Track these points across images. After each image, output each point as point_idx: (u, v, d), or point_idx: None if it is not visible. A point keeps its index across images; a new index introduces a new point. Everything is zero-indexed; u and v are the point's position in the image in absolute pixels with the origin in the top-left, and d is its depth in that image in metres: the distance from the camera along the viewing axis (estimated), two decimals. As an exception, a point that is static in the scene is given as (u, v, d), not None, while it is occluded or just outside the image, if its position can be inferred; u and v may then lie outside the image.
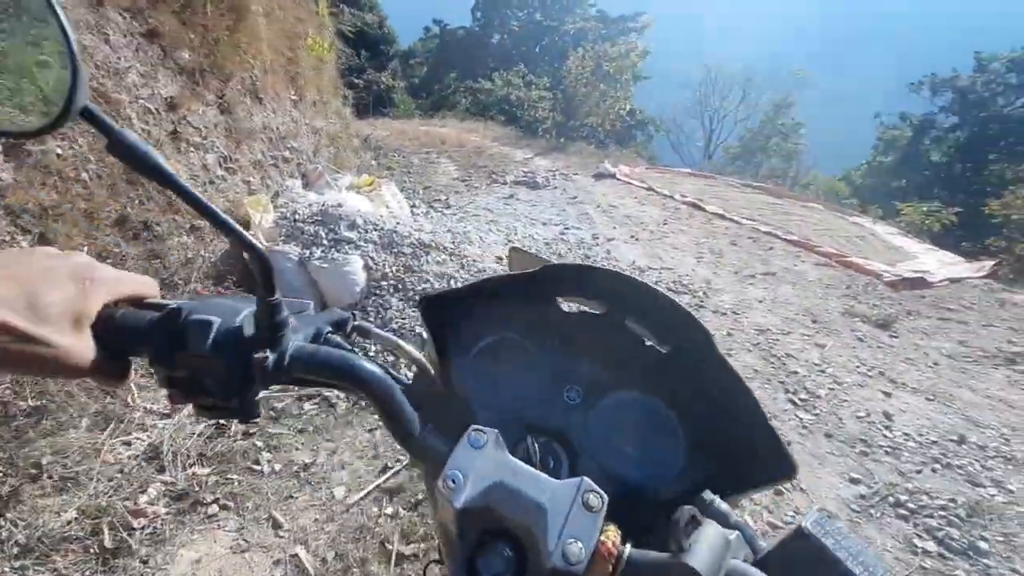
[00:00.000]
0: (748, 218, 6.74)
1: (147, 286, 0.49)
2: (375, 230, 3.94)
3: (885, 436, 2.82)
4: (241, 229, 0.43)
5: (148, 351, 0.45)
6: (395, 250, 3.85)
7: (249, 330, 0.46)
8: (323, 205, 4.01)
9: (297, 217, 3.89)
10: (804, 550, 0.42)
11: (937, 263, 5.80)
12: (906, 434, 2.85)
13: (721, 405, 0.56)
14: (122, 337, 0.45)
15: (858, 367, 3.58)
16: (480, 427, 0.44)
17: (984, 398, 3.33)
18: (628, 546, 0.41)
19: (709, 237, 6.28)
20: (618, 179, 8.46)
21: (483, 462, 0.42)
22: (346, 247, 3.68)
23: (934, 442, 2.80)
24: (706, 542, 0.39)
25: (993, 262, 5.98)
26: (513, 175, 8.62)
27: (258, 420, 0.55)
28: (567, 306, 0.65)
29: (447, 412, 0.49)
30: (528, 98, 24.10)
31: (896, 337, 4.14)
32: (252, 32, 4.60)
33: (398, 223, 4.22)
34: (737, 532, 0.43)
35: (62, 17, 0.40)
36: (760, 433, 0.53)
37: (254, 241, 0.43)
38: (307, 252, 3.59)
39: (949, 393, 3.32)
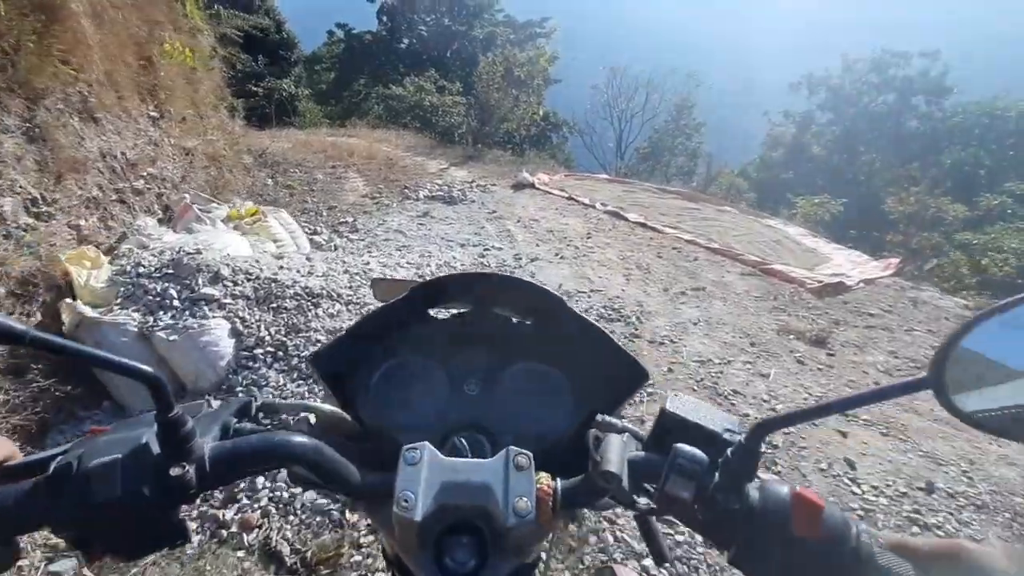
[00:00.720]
0: (669, 226, 6.47)
1: (3, 448, 0.43)
2: (248, 280, 3.10)
3: (854, 493, 2.45)
4: (130, 364, 0.41)
5: (46, 522, 0.41)
6: (275, 305, 3.04)
7: (157, 451, 0.43)
8: (177, 252, 3.10)
9: (141, 271, 2.97)
10: (671, 425, 0.51)
11: (849, 263, 5.81)
12: (874, 486, 2.50)
13: (584, 348, 0.65)
14: (5, 518, 0.41)
15: (806, 398, 3.25)
16: (412, 445, 0.47)
17: (931, 422, 3.10)
18: (558, 481, 0.48)
19: (634, 250, 5.90)
20: (537, 188, 7.97)
21: (424, 473, 0.46)
22: (206, 308, 2.82)
23: (904, 494, 2.47)
24: (610, 449, 0.48)
25: (897, 259, 6.10)
26: (427, 189, 7.87)
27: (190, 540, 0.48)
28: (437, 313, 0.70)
29: (371, 450, 0.53)
30: (442, 104, 23.28)
31: (833, 355, 3.90)
32: (73, 37, 3.55)
33: (281, 267, 3.39)
34: (626, 433, 0.53)
35: None
36: (616, 357, 0.64)
37: (144, 369, 0.41)
38: (151, 320, 2.70)
39: (900, 423, 3.05)
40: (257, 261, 3.35)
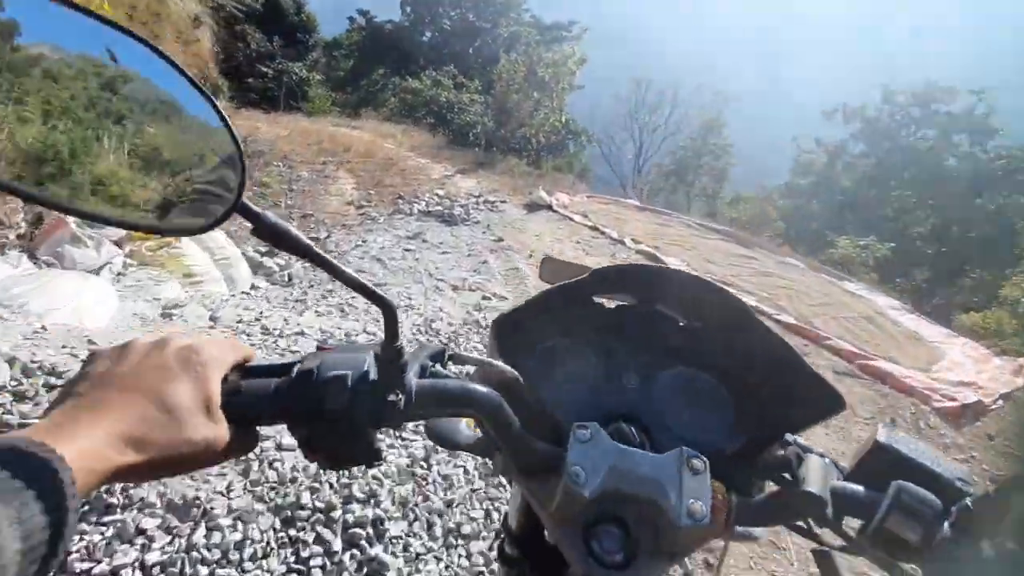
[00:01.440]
0: (721, 280, 5.06)
1: (245, 350, 0.48)
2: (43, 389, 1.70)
3: None
4: (370, 285, 0.44)
5: (285, 418, 0.45)
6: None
7: (375, 376, 0.46)
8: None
9: None
10: (885, 461, 0.48)
11: (968, 360, 4.32)
12: None
13: (760, 362, 0.58)
14: (255, 409, 0.45)
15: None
16: (583, 423, 0.46)
17: None
18: (733, 495, 0.47)
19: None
20: (555, 211, 6.57)
21: (594, 453, 0.45)
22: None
23: None
24: (812, 470, 0.46)
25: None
26: (425, 202, 6.49)
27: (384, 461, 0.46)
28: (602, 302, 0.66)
29: (533, 419, 0.51)
30: (458, 101, 21.92)
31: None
32: None
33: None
34: (828, 458, 0.50)
35: (224, 112, 0.42)
36: (803, 378, 0.56)
37: (382, 294, 0.45)
38: None
39: None
40: (90, 342, 1.95)
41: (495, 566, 0.67)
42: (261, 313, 3.16)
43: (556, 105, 12.14)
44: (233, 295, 3.66)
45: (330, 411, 0.43)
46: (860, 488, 0.47)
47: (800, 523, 0.49)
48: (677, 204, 16.02)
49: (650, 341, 0.64)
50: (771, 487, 0.53)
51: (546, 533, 0.55)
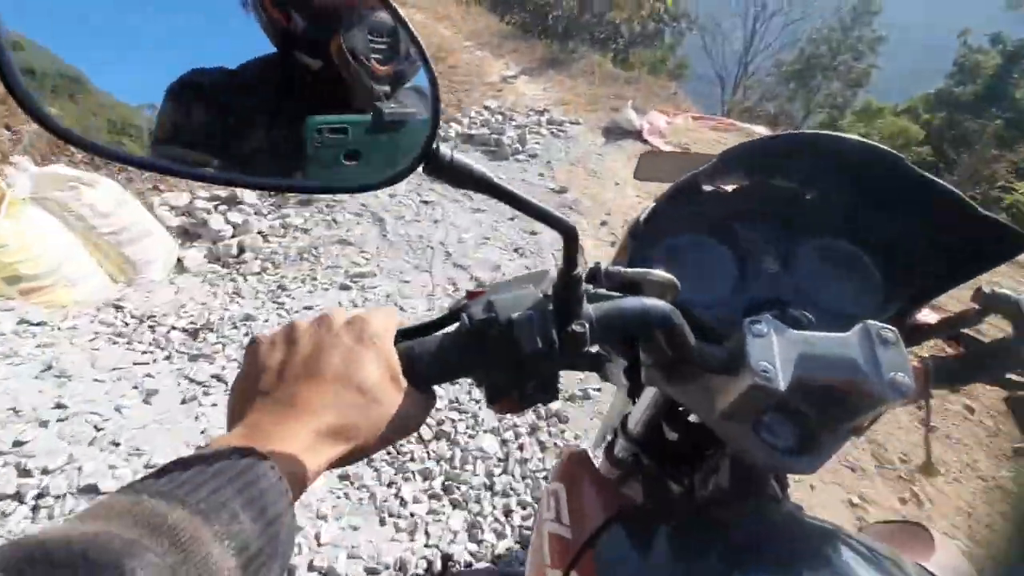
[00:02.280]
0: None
1: (396, 312, 0.47)
2: None
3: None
4: (554, 213, 0.41)
5: (472, 370, 0.43)
6: None
7: (550, 308, 0.42)
8: None
9: None
10: None
11: None
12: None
13: (914, 215, 0.53)
14: (436, 369, 0.42)
15: None
16: (755, 318, 0.44)
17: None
18: (929, 359, 0.47)
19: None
20: (647, 141, 4.58)
21: (777, 345, 0.42)
22: None
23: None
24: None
25: None
26: (470, 117, 4.71)
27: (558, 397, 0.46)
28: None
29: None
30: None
31: None
32: None
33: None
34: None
35: (427, 56, 0.39)
36: (967, 220, 0.51)
37: (562, 218, 0.41)
38: None
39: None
40: None
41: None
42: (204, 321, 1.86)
43: (659, -20, 9.12)
44: (132, 288, 2.34)
45: (529, 355, 0.40)
46: None
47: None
48: (793, 115, 12.71)
49: (780, 218, 0.59)
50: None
51: (667, 434, 0.58)
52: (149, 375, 2.00)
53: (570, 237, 0.40)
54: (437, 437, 1.89)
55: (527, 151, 4.20)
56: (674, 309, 0.44)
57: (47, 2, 0.34)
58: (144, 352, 2.11)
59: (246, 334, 2.24)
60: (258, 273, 2.66)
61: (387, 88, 0.41)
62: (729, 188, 0.60)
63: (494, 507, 1.68)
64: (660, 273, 0.47)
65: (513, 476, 1.78)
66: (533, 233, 3.13)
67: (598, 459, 0.67)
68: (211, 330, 2.25)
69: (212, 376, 2.03)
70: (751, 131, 5.32)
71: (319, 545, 1.53)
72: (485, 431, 1.93)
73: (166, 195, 2.95)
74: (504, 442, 1.90)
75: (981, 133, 15.16)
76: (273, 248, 2.81)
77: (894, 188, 0.53)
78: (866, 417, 0.43)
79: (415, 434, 1.82)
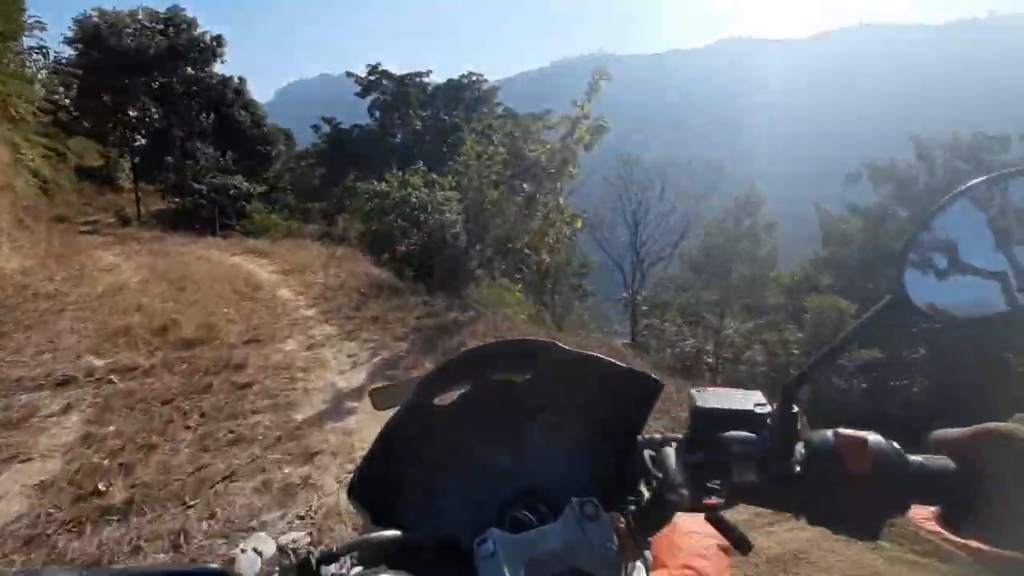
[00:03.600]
0: None
1: None
2: None
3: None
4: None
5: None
6: None
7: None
8: None
9: None
10: (706, 419, 0.50)
11: None
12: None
13: (592, 381, 0.61)
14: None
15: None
16: (481, 537, 0.45)
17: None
18: (628, 514, 0.48)
19: None
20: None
21: (503, 559, 0.44)
22: None
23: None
24: (668, 462, 0.50)
25: None
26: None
27: None
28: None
29: (435, 560, 0.49)
30: (431, 200, 18.30)
31: None
32: None
33: None
34: (672, 442, 0.54)
35: None
36: (624, 377, 0.60)
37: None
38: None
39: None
40: None
41: None
42: None
43: (557, 199, 8.16)
44: None
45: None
46: (703, 455, 0.48)
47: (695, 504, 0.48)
48: (723, 301, 11.90)
49: (503, 409, 0.62)
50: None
51: None
52: None
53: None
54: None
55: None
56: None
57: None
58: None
59: None
60: None
61: None
62: (456, 394, 0.62)
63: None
64: (384, 534, 0.47)
65: None
66: None
67: None
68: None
69: None
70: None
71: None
72: None
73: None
74: None
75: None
76: None
77: (565, 364, 0.60)
78: None
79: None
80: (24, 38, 21.01)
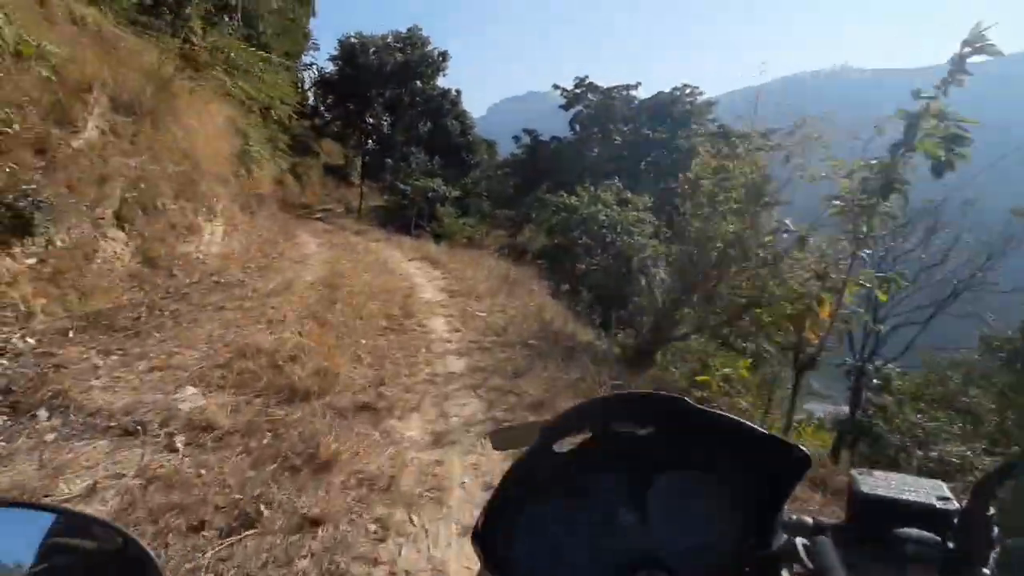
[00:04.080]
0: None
1: None
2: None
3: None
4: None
5: None
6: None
7: None
8: None
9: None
10: (871, 507, 0.46)
11: None
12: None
13: (725, 445, 0.55)
14: None
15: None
16: None
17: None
18: None
19: None
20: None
21: None
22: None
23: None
24: (826, 556, 0.43)
25: None
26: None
27: None
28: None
29: None
30: (622, 219, 16.53)
31: None
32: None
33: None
34: (828, 530, 0.49)
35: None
36: (765, 446, 0.52)
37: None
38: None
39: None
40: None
41: None
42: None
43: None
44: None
45: None
46: (868, 551, 0.44)
47: None
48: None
49: (625, 464, 0.58)
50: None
51: None
52: None
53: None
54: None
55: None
56: None
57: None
58: None
59: None
60: None
61: None
62: (577, 442, 0.59)
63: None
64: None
65: None
66: None
67: None
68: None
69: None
70: None
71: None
72: None
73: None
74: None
75: None
76: None
77: (691, 422, 0.55)
78: None
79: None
80: (305, 56, 25.78)
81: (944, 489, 0.45)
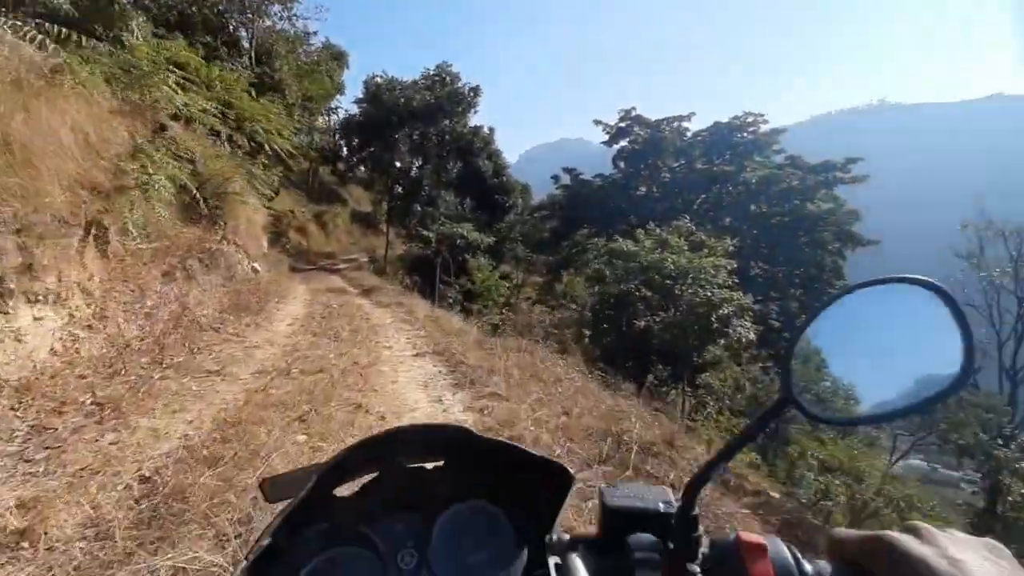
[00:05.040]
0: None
1: None
2: None
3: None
4: None
5: None
6: None
7: None
8: None
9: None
10: (614, 518, 0.51)
11: None
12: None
13: (505, 471, 0.56)
14: None
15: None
16: None
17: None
18: None
19: None
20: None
21: None
22: None
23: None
24: (573, 569, 0.49)
25: None
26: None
27: None
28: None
29: None
30: (697, 268, 13.27)
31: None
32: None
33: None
34: (580, 545, 0.52)
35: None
36: (537, 467, 0.53)
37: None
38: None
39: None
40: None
41: None
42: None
43: None
44: None
45: None
46: (610, 561, 0.48)
47: None
48: None
49: (412, 501, 0.56)
50: None
51: None
52: None
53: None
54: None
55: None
56: None
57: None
58: None
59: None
60: None
61: None
62: (360, 483, 0.57)
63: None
64: None
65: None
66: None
67: None
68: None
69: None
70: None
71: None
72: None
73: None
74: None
75: None
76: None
77: (476, 452, 0.55)
78: None
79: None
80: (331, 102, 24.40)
81: (669, 494, 0.49)
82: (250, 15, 15.22)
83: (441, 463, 0.58)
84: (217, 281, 6.12)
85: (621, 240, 14.77)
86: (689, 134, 23.55)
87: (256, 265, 9.02)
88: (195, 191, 5.86)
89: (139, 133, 4.68)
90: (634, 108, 22.85)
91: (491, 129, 22.72)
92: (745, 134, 23.12)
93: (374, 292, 10.62)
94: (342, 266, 20.48)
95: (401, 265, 19.23)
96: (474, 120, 22.40)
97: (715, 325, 13.29)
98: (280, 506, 0.49)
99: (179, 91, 6.62)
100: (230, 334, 4.99)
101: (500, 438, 0.54)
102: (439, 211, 19.61)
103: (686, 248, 13.30)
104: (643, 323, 14.49)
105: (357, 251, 27.74)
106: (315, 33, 20.91)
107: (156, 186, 4.08)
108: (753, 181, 20.92)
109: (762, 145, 22.16)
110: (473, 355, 4.61)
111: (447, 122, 21.00)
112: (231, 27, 14.27)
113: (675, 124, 23.23)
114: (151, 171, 4.18)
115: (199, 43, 13.09)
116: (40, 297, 3.24)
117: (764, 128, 22.36)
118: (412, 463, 0.58)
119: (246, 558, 0.46)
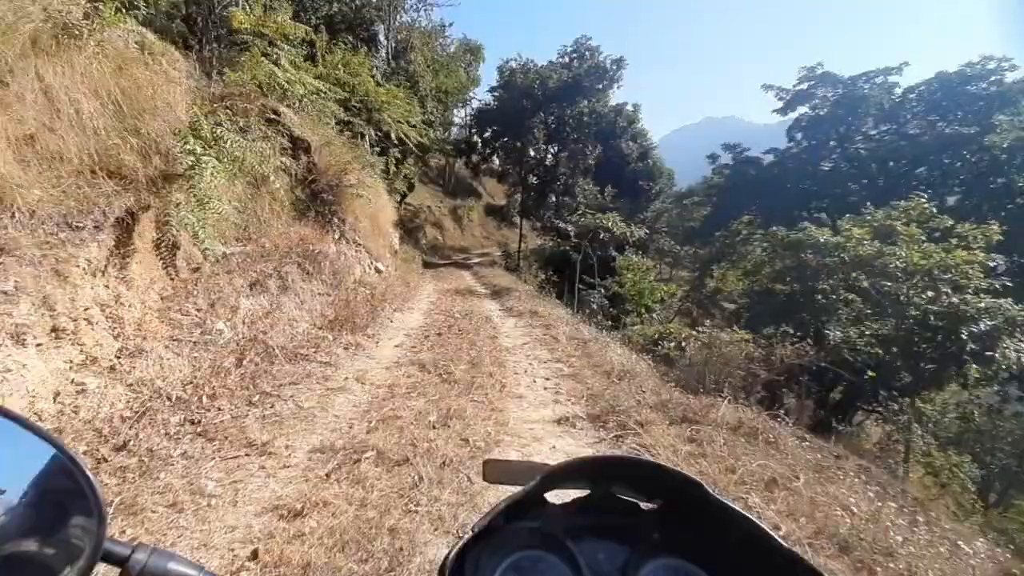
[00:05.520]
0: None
1: None
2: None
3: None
4: None
5: None
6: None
7: None
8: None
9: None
10: None
11: None
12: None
13: (734, 541, 0.51)
14: None
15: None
16: None
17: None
18: None
19: None
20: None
21: None
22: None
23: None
24: None
25: None
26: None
27: None
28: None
29: None
30: (943, 266, 9.78)
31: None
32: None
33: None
34: None
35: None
36: (773, 555, 0.48)
37: None
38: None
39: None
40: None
41: None
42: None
43: None
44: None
45: None
46: None
47: None
48: None
49: (620, 533, 0.55)
50: None
51: None
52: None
53: None
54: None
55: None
56: None
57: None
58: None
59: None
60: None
61: None
62: (571, 497, 0.57)
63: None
64: None
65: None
66: None
67: None
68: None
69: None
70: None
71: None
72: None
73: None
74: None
75: None
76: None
77: (709, 511, 0.52)
78: None
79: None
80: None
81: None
82: (387, 8, 14.93)
83: (655, 506, 0.55)
84: (319, 289, 5.04)
85: (812, 227, 11.36)
86: (899, 91, 18.13)
87: (380, 265, 8.12)
88: (307, 184, 4.87)
89: (219, 112, 3.65)
90: (820, 64, 18.22)
91: (636, 106, 20.07)
92: (984, 84, 17.03)
93: (505, 294, 9.24)
94: (475, 260, 19.88)
95: (535, 260, 17.89)
96: (616, 98, 19.98)
97: (969, 346, 9.51)
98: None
99: (288, 69, 5.66)
100: (318, 363, 3.78)
101: (735, 506, 0.49)
102: (576, 201, 17.77)
103: (923, 238, 9.56)
104: (837, 333, 11.16)
105: (491, 245, 27.27)
106: (451, 25, 20.45)
107: (237, 175, 2.98)
108: (1004, 146, 15.14)
109: (1010, 99, 16.00)
110: (659, 432, 2.71)
111: (586, 102, 18.96)
112: (368, 21, 14.05)
113: (879, 79, 18.04)
114: (228, 158, 3.08)
115: (342, 41, 13.04)
116: (25, 331, 2.13)
117: (1011, 77, 16.14)
118: (626, 495, 0.55)
119: (472, 529, 0.47)
